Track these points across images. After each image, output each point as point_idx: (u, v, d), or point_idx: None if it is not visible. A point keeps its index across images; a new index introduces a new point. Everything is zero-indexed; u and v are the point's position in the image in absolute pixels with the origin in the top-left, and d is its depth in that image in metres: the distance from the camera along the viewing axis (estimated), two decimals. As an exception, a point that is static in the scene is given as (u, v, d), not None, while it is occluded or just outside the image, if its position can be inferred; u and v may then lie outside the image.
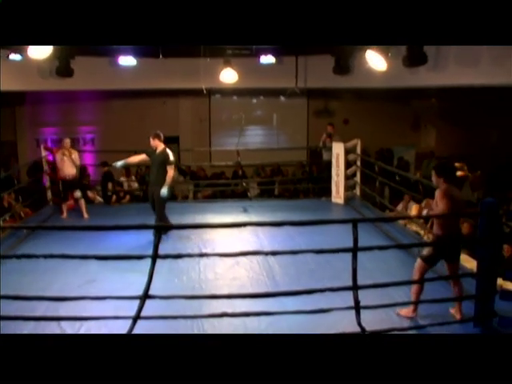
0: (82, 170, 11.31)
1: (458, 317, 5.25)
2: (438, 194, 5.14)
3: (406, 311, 5.35)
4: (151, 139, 8.01)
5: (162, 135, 8.09)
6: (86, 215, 9.78)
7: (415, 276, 5.30)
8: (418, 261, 5.31)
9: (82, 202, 9.87)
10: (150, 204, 8.22)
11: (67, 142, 9.82)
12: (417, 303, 5.30)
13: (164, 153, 7.92)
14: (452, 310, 5.37)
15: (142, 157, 8.24)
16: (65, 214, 9.85)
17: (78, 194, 9.75)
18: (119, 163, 8.21)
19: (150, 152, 8.09)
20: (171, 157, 7.92)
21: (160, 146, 8.01)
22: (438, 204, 5.10)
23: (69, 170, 9.59)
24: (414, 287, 5.31)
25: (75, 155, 9.74)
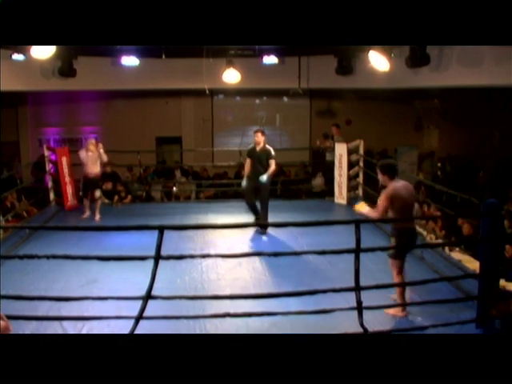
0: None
1: (399, 300, 5.30)
2: (383, 192, 5.35)
3: (396, 310, 5.35)
4: (259, 135, 8.52)
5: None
6: (98, 216, 9.57)
7: (395, 275, 5.37)
8: (389, 260, 5.42)
9: (99, 203, 9.66)
10: (249, 201, 8.72)
11: (92, 141, 9.64)
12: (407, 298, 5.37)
13: (267, 148, 8.52)
14: (393, 296, 5.43)
15: (249, 161, 8.65)
16: (87, 213, 9.65)
17: (98, 193, 9.58)
18: (244, 182, 8.67)
19: (250, 151, 8.66)
20: (273, 151, 8.50)
21: (262, 141, 8.54)
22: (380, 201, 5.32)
23: (92, 168, 9.43)
24: (398, 289, 5.35)
25: (102, 150, 9.53)
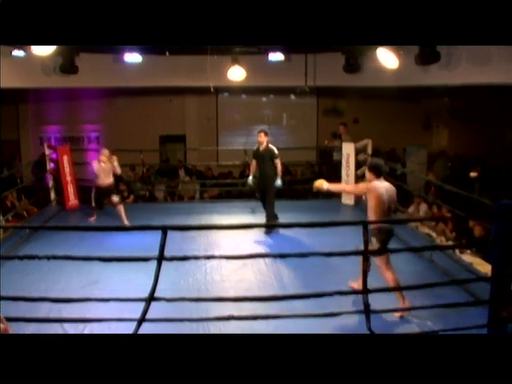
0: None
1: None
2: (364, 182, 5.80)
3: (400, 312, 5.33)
4: (262, 135, 8.61)
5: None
6: (126, 221, 9.16)
7: (384, 270, 5.37)
8: (376, 260, 5.39)
9: (121, 208, 9.23)
10: (260, 199, 9.00)
11: (105, 152, 9.31)
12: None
13: (270, 148, 8.62)
14: (353, 284, 5.50)
15: (254, 163, 8.82)
16: (94, 217, 9.34)
17: (115, 198, 9.24)
18: (250, 178, 8.85)
19: (254, 152, 8.82)
20: (276, 150, 8.59)
21: (265, 141, 8.64)
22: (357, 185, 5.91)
23: (105, 179, 9.16)
24: (392, 281, 5.35)
25: (116, 163, 9.24)
